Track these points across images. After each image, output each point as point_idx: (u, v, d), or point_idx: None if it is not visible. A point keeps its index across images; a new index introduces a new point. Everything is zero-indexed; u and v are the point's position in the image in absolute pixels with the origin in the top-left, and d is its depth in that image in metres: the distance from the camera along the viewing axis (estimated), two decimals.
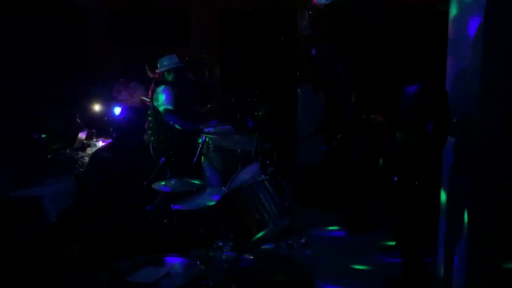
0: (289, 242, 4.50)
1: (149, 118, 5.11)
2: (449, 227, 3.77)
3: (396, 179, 3.52)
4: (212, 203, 3.49)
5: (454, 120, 3.48)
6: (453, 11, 3.63)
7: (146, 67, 5.88)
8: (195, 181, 3.70)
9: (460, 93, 3.51)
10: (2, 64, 5.11)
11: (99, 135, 5.85)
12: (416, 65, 3.45)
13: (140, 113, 4.38)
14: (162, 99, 4.90)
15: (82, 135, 5.49)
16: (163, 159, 4.30)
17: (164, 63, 5.04)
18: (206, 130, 4.89)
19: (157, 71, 5.10)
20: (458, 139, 3.55)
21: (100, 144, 5.56)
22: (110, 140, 5.34)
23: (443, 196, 3.81)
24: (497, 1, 3.20)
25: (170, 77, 5.03)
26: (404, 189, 3.50)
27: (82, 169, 4.69)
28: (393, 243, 4.50)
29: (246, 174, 4.06)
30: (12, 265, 3.68)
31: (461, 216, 3.53)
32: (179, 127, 4.92)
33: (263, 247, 4.24)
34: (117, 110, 5.79)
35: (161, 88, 4.95)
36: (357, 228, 5.01)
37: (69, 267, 3.67)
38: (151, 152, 5.11)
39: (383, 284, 3.84)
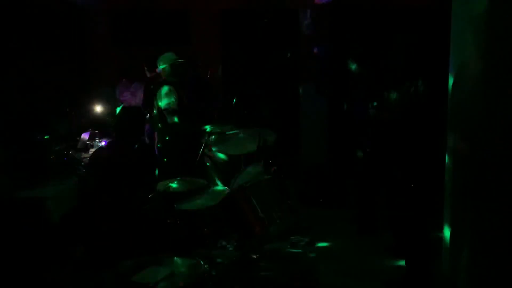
0: (293, 241, 4.50)
1: (154, 119, 5.11)
2: (453, 227, 3.74)
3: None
4: (216, 202, 3.48)
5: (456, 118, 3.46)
6: (456, 6, 3.60)
7: (145, 68, 5.88)
8: (199, 181, 3.70)
9: (464, 91, 3.48)
10: (5, 65, 5.13)
11: (102, 136, 5.84)
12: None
13: (139, 114, 4.36)
14: (164, 99, 4.90)
15: (85, 136, 5.48)
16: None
17: (162, 61, 5.04)
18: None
19: (157, 70, 5.09)
20: (461, 138, 3.52)
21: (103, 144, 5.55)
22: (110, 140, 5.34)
23: (446, 196, 3.78)
24: None
25: (170, 75, 5.02)
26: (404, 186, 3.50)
27: (85, 170, 4.69)
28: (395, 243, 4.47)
29: (249, 173, 4.05)
30: (16, 266, 3.68)
31: (465, 216, 3.51)
32: (182, 127, 4.92)
33: (266, 246, 4.23)
34: (118, 111, 5.81)
35: (163, 88, 4.94)
36: (365, 228, 4.97)
37: (73, 267, 3.67)
38: (156, 153, 5.10)
39: (385, 285, 3.83)
